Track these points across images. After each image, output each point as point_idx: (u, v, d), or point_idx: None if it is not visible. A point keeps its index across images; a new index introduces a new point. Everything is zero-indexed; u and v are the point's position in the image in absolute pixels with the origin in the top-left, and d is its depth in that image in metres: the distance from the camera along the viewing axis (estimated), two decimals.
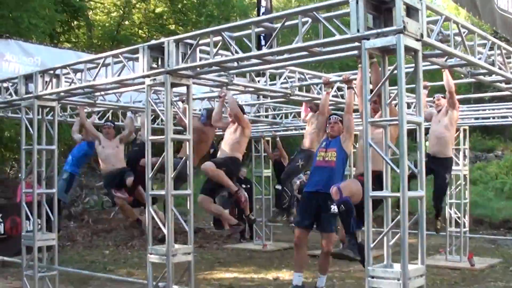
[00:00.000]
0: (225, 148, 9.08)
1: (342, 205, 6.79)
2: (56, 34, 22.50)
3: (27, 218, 8.80)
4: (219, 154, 9.22)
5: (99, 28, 25.53)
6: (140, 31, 26.67)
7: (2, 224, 12.42)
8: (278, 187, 14.65)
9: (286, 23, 5.77)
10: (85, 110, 10.97)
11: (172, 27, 26.61)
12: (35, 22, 17.30)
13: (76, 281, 10.46)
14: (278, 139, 14.86)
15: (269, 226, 15.53)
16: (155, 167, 6.75)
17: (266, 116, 13.22)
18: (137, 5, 26.43)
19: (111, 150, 10.58)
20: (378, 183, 5.18)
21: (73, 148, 12.44)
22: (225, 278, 10.89)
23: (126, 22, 26.24)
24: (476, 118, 13.15)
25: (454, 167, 12.78)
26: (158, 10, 26.73)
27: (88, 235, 15.90)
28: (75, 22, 24.77)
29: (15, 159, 22.03)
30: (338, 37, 5.25)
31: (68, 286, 10.01)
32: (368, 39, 4.85)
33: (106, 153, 10.63)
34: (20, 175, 15.81)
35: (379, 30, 4.81)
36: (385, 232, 5.04)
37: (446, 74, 8.57)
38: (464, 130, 12.83)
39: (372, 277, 4.89)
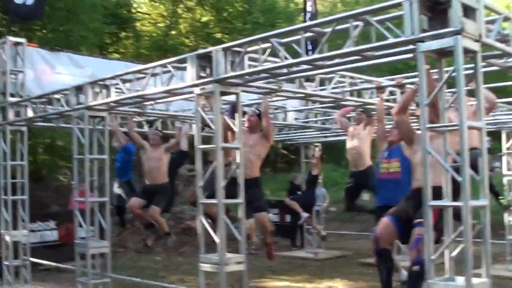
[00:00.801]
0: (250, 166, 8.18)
1: (418, 266, 6.22)
2: (105, 45, 22.83)
3: (80, 226, 8.87)
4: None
5: (147, 38, 25.81)
6: (186, 40, 26.86)
7: (56, 231, 12.69)
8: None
9: (337, 28, 5.66)
10: (134, 120, 11.03)
11: (218, 35, 26.73)
12: (85, 34, 17.63)
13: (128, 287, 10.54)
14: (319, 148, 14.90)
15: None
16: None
17: (315, 122, 13.07)
18: (183, 15, 26.60)
19: (154, 163, 10.51)
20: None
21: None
22: (277, 287, 10.79)
23: (173, 32, 26.45)
24: None
25: None
26: (204, 19, 26.89)
27: (140, 241, 15.98)
28: (123, 33, 25.11)
29: (67, 167, 22.41)
30: (391, 40, 5.11)
31: None
32: (423, 41, 4.71)
33: (149, 166, 10.62)
34: (72, 183, 15.98)
35: (435, 32, 4.65)
36: (446, 243, 4.86)
37: None
38: None
39: None
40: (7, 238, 10.36)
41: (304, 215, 14.77)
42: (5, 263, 10.45)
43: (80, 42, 17.77)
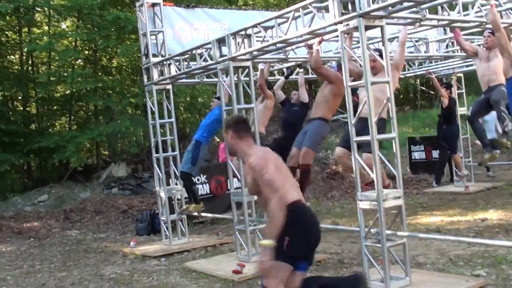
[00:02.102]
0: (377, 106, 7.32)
1: None
2: None
3: (234, 176, 9.10)
4: None
5: None
6: None
7: (207, 185, 13.11)
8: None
9: None
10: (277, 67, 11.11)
11: None
12: None
13: None
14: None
15: (469, 167, 14.99)
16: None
17: (457, 51, 12.53)
18: None
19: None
20: None
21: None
22: (431, 222, 10.70)
23: None
24: None
25: None
26: None
27: None
28: None
29: None
30: None
31: None
32: None
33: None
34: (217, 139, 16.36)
35: None
36: None
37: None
38: None
39: None
40: (162, 194, 10.85)
41: (464, 172, 14.37)
42: (162, 218, 10.97)
43: None
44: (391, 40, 9.87)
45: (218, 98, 10.08)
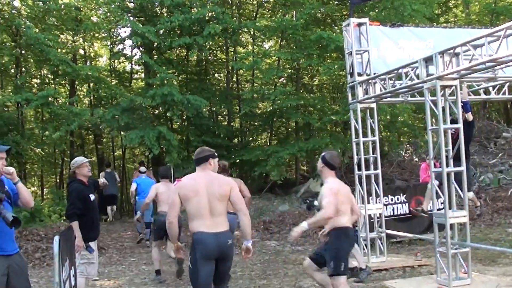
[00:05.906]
0: None
1: None
2: (435, 16, 22.66)
3: (438, 197, 8.96)
4: None
5: (476, 3, 25.04)
6: None
7: (406, 204, 12.98)
8: None
9: None
10: (484, 85, 10.78)
11: None
12: (417, 7, 17.73)
13: (485, 259, 10.42)
14: None
15: None
16: None
17: None
18: None
19: None
20: None
21: None
22: None
23: None
24: None
25: None
26: None
27: (488, 213, 15.70)
28: (452, 2, 24.74)
29: (409, 142, 22.90)
30: None
31: (476, 263, 10.01)
32: None
33: None
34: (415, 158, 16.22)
35: None
36: None
37: None
38: None
39: None
40: (362, 211, 10.90)
41: None
42: (361, 235, 11.03)
43: (412, 16, 17.92)
44: None
45: None
